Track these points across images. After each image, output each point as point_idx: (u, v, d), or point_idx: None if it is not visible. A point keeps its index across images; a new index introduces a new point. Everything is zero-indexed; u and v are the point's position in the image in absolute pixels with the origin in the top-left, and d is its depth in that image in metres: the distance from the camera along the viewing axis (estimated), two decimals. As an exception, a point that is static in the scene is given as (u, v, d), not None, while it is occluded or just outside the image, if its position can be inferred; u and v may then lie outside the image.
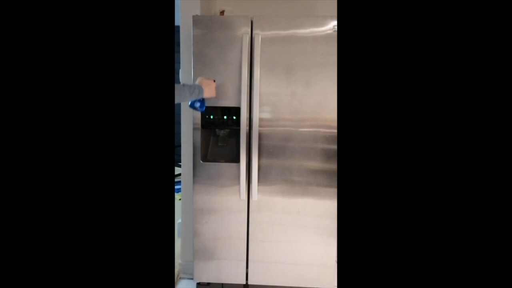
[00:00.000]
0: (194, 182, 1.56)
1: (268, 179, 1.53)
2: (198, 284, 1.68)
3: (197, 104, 1.40)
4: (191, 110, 1.51)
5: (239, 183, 1.53)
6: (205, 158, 1.56)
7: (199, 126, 1.52)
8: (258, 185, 1.53)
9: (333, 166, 1.51)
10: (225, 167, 1.55)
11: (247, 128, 1.50)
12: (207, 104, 1.44)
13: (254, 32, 1.45)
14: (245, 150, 1.50)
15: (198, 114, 1.51)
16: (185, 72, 1.70)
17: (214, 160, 1.56)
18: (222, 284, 1.65)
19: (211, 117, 1.52)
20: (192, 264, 1.66)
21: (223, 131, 1.59)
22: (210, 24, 1.46)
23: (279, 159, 1.52)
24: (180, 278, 1.81)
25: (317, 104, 1.48)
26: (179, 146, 1.73)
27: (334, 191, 1.52)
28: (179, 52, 1.70)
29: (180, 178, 1.78)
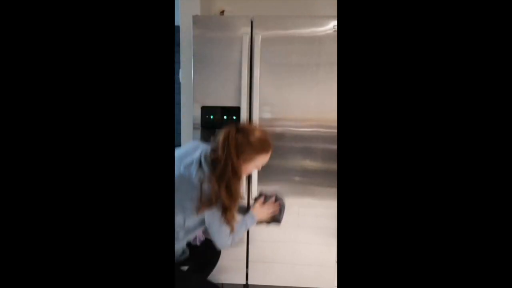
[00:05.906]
0: (194, 182, 1.56)
1: (268, 179, 1.53)
2: (198, 284, 1.68)
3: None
4: (191, 110, 1.51)
5: (239, 183, 1.53)
6: (205, 158, 1.55)
7: (199, 126, 1.52)
8: (258, 185, 1.53)
9: (333, 166, 1.51)
10: (225, 167, 1.54)
11: (247, 128, 1.49)
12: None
13: (254, 32, 1.45)
14: (245, 150, 1.50)
15: (198, 114, 1.51)
16: (185, 72, 1.70)
17: (214, 160, 1.56)
18: (222, 284, 1.65)
19: (211, 117, 1.52)
20: (192, 264, 1.66)
21: (223, 131, 1.59)
22: (210, 24, 1.46)
23: (279, 159, 1.52)
24: (180, 278, 1.81)
25: (317, 104, 1.48)
26: (179, 146, 1.73)
27: (334, 191, 1.52)
28: (179, 52, 1.70)
29: (180, 178, 1.77)
